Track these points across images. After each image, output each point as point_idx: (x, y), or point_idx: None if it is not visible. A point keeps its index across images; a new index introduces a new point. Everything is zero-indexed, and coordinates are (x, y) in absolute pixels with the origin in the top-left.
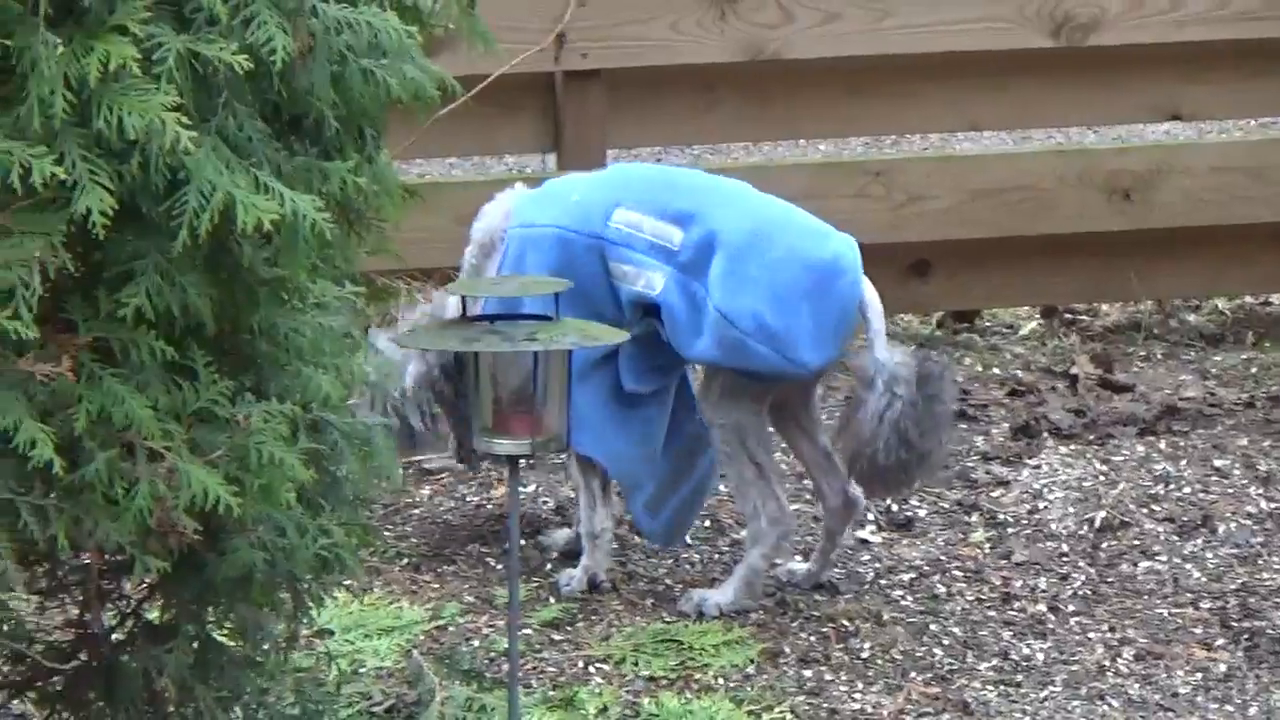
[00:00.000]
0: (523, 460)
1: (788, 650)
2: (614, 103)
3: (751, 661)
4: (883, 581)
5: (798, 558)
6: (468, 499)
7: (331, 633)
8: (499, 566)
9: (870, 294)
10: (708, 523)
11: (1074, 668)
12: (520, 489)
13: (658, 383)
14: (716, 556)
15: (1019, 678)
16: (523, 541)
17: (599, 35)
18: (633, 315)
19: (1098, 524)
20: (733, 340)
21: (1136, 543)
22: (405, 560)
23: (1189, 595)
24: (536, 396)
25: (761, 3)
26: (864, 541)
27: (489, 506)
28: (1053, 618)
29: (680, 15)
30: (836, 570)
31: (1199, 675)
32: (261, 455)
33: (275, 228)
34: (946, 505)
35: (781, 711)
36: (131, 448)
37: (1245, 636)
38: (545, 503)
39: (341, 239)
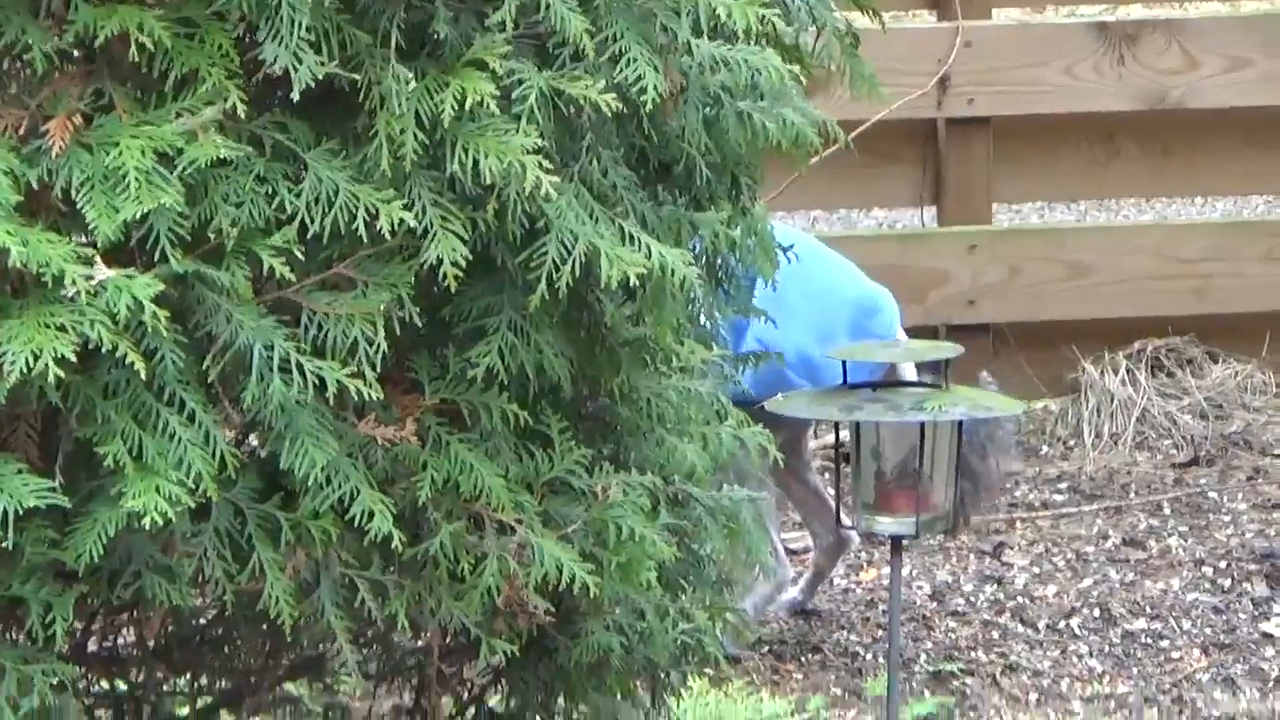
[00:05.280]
0: (906, 540)
1: None
2: (1001, 153)
3: None
4: None
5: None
6: (834, 582)
7: None
8: (868, 656)
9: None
10: (1097, 612)
11: None
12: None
13: None
14: (1106, 649)
15: None
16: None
17: (986, 79)
18: None
19: None
20: (772, 373)
21: None
22: (767, 648)
23: None
24: (923, 471)
25: (1165, 47)
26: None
27: (857, 591)
28: None
29: (1076, 59)
30: None
31: None
32: (620, 530)
33: (641, 283)
34: None
35: None
36: (479, 520)
37: None
38: (920, 587)
39: (709, 297)
